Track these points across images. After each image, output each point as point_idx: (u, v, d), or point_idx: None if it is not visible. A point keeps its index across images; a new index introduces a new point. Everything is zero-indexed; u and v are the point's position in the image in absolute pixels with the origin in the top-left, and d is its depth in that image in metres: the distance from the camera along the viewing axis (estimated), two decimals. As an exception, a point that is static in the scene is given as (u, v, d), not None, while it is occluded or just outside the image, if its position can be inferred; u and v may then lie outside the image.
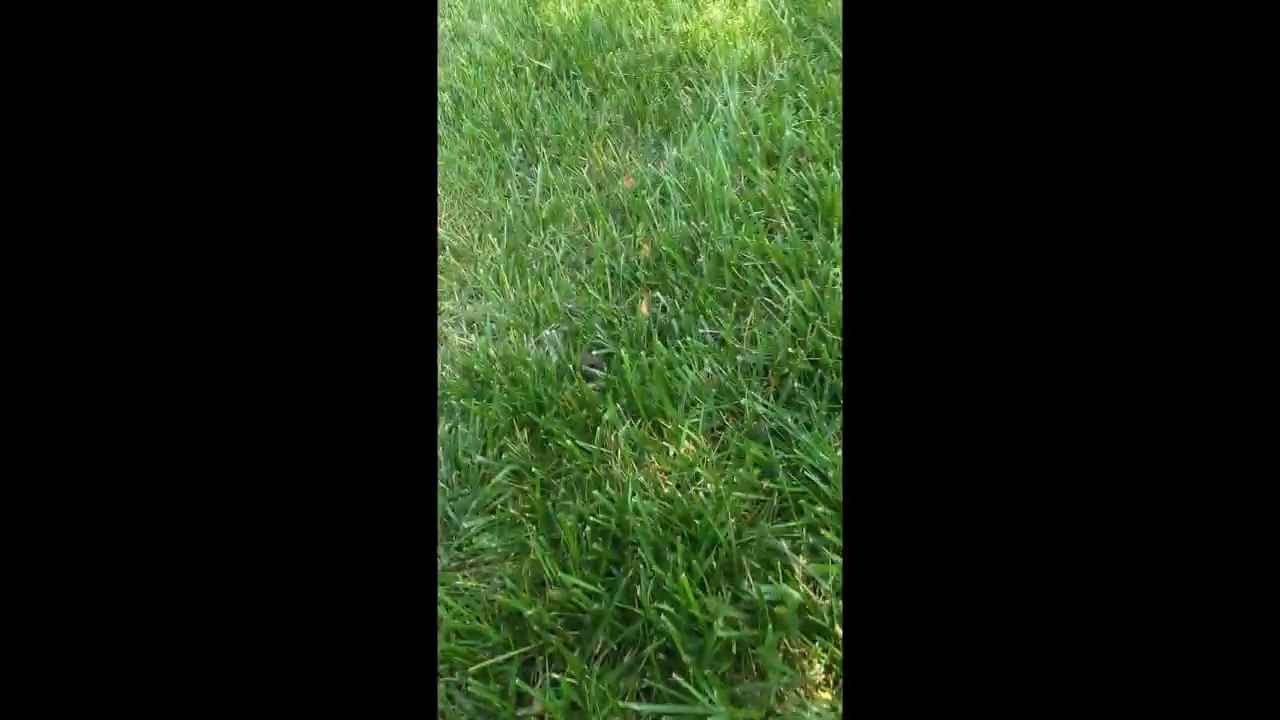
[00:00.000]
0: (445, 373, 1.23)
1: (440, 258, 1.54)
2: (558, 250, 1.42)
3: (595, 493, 0.88)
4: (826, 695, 0.70)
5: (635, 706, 0.70)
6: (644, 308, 1.19)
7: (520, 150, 1.76)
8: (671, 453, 0.94)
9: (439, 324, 1.38)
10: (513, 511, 0.95)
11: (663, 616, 0.75)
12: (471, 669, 0.79)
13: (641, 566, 0.79)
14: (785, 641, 0.72)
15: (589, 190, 1.57)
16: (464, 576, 0.91)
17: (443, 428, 1.13)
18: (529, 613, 0.79)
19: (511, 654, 0.79)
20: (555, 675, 0.77)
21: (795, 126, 1.47)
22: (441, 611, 0.87)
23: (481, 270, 1.45)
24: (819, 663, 0.71)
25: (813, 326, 1.03)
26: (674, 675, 0.73)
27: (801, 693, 0.70)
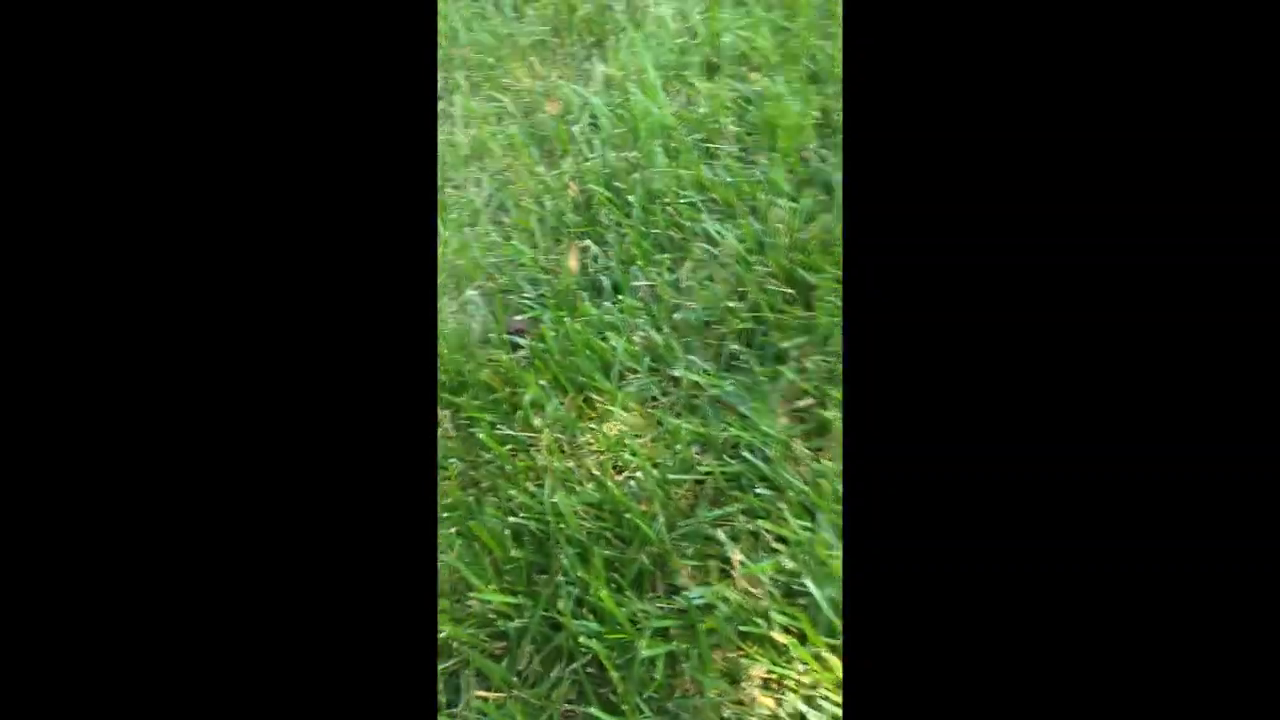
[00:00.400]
0: (360, 349, 1.15)
1: (354, 210, 1.44)
2: (480, 193, 1.31)
3: (513, 491, 0.82)
4: (768, 702, 0.67)
5: (557, 735, 0.67)
6: (573, 262, 1.10)
7: (440, 77, 1.61)
8: (601, 432, 0.88)
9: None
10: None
11: (586, 633, 0.70)
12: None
13: (562, 577, 0.74)
14: (720, 651, 0.68)
15: (512, 117, 1.44)
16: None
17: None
18: (446, 633, 0.75)
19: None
20: (481, 693, 0.74)
21: (737, 28, 1.33)
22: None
23: (400, 222, 1.35)
24: (759, 668, 0.67)
25: (754, 276, 0.94)
26: (603, 690, 0.70)
27: (740, 703, 0.66)
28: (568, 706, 0.70)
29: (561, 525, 0.78)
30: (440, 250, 1.25)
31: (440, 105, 1.57)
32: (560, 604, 0.73)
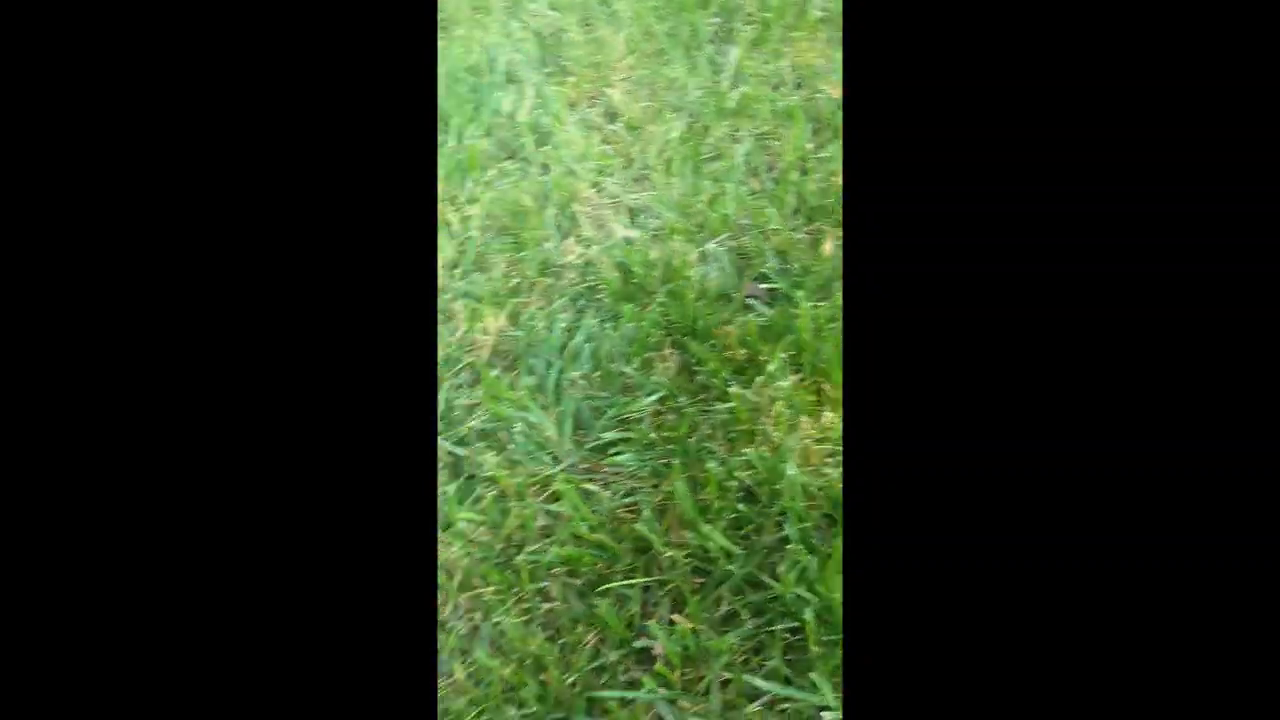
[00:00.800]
0: (602, 264, 1.22)
1: (610, 127, 1.50)
2: (739, 149, 1.35)
3: (747, 450, 0.89)
4: None
5: (759, 682, 0.74)
6: (828, 248, 1.14)
7: (717, 21, 1.64)
8: (827, 422, 0.93)
9: (599, 207, 1.35)
10: (653, 435, 0.97)
11: (806, 607, 0.77)
12: (598, 587, 0.84)
13: (789, 546, 0.81)
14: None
15: (786, 87, 1.47)
16: (592, 480, 0.95)
17: (591, 322, 1.14)
18: (666, 554, 0.83)
19: (636, 581, 0.84)
20: (674, 616, 0.81)
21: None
22: (565, 509, 0.92)
23: (652, 151, 1.40)
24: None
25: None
26: (792, 656, 0.76)
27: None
28: (752, 658, 0.77)
29: (793, 499, 0.84)
30: (691, 194, 1.30)
31: (709, 50, 1.61)
32: (780, 568, 0.79)
